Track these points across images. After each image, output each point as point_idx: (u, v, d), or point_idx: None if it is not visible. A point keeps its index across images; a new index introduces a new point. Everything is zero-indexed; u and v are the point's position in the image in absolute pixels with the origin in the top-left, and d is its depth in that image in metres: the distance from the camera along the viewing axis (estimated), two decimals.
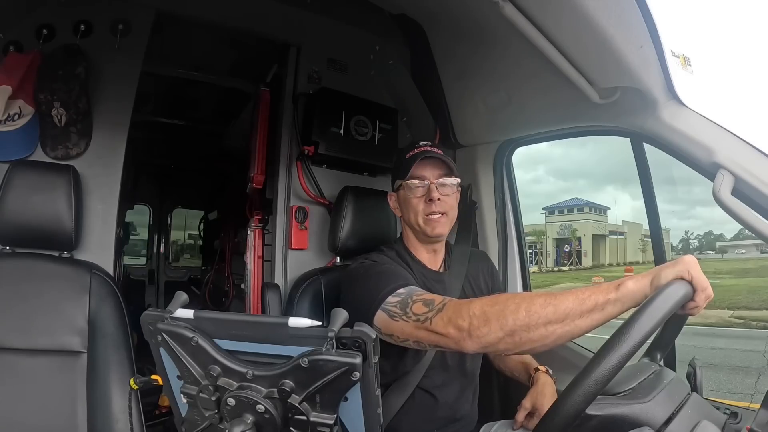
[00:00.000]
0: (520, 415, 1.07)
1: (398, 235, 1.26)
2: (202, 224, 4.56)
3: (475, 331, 0.75)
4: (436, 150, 1.13)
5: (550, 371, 1.15)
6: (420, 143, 1.15)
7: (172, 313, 0.56)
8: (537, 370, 1.14)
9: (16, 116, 1.22)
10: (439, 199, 1.10)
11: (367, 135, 1.61)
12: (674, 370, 1.04)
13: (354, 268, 1.10)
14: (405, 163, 1.13)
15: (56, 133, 1.26)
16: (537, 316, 0.71)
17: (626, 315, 0.67)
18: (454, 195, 1.15)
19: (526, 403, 1.08)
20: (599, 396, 0.61)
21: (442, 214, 1.11)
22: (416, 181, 1.12)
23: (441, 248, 1.21)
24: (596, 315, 0.69)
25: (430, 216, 1.10)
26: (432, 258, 1.19)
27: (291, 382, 0.51)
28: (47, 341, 1.08)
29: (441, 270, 1.20)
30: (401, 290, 0.91)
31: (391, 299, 0.90)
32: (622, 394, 0.71)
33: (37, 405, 1.04)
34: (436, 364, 1.11)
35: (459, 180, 1.15)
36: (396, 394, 1.08)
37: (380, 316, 0.90)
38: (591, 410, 0.64)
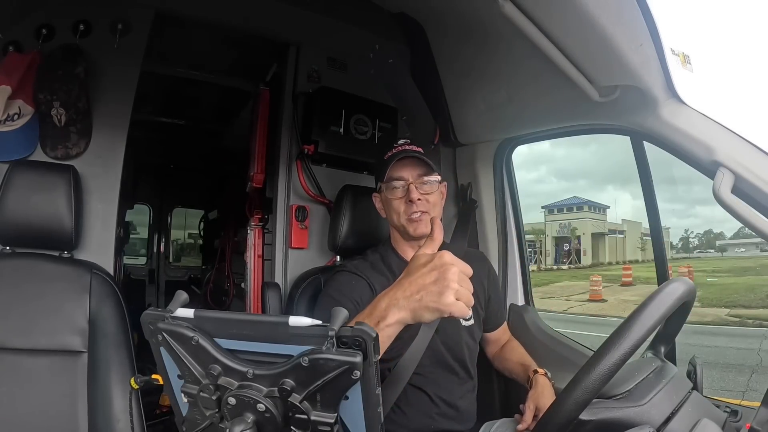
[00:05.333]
0: (528, 416, 1.05)
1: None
2: (202, 223, 4.56)
3: None
4: (414, 148, 1.12)
5: (549, 374, 1.14)
6: (399, 142, 1.14)
7: (172, 313, 0.56)
8: (536, 372, 1.14)
9: (16, 116, 1.22)
10: (419, 199, 1.09)
11: (367, 134, 1.61)
12: None
13: (328, 277, 1.11)
14: (383, 164, 1.12)
15: (56, 133, 1.26)
16: None
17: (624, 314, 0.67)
18: (437, 192, 1.13)
19: (530, 405, 1.06)
20: (594, 400, 0.61)
21: (424, 213, 1.10)
22: (395, 182, 1.11)
23: None
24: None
25: (412, 216, 1.10)
26: None
27: (291, 381, 0.51)
28: (48, 341, 1.08)
29: None
30: None
31: None
32: (618, 396, 0.70)
33: (38, 405, 1.04)
34: (430, 361, 1.11)
35: (440, 177, 1.14)
36: (389, 389, 1.08)
37: None
38: (585, 415, 0.63)
